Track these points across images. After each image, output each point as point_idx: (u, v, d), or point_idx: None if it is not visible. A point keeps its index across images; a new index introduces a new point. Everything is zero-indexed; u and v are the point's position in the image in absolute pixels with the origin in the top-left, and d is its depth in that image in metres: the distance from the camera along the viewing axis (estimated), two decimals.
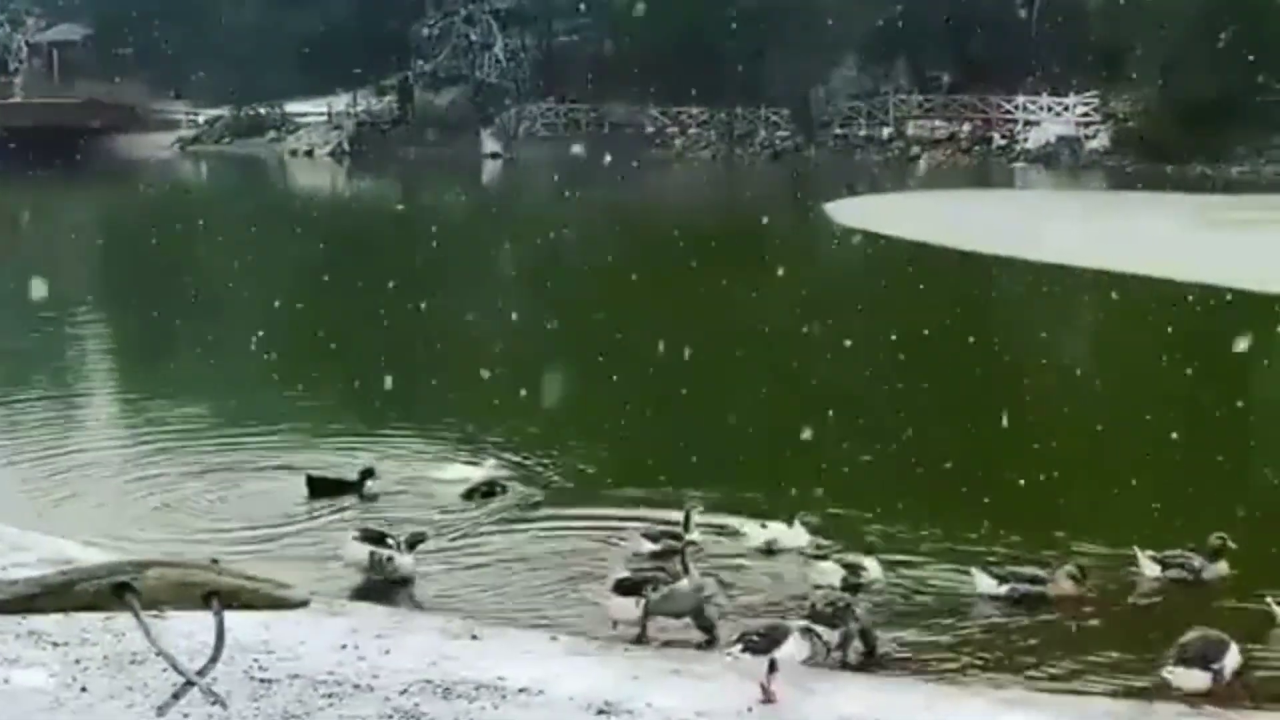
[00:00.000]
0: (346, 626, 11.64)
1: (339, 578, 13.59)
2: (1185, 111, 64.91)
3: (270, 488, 16.66)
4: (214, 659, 6.68)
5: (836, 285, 33.86)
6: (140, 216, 49.33)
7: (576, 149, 73.26)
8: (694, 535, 14.24)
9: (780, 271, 33.03)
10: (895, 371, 22.43)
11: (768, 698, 10.19)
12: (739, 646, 10.35)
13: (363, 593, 13.28)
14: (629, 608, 12.00)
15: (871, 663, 11.53)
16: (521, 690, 10.25)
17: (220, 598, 6.63)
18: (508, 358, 23.57)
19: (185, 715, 8.67)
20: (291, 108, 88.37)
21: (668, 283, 31.97)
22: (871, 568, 13.33)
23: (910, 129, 77.56)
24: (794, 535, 14.32)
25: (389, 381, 20.93)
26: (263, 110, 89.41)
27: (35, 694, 9.86)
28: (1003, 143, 75.38)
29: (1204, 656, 10.54)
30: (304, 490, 16.25)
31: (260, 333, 25.57)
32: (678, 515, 14.55)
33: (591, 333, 26.57)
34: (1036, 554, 13.76)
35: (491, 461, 17.35)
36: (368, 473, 16.37)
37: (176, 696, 6.87)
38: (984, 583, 13.04)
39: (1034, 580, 12.98)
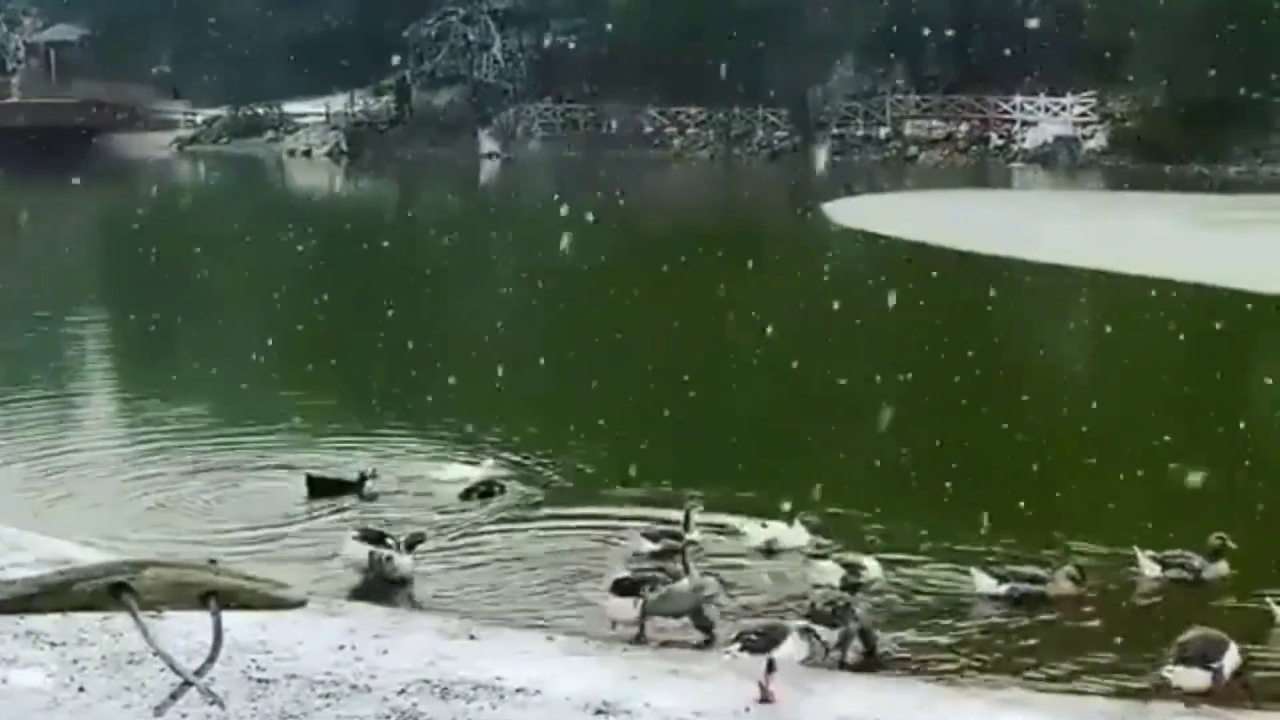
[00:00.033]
0: (344, 626, 11.64)
1: (336, 578, 13.59)
2: (1183, 112, 65.03)
3: (269, 488, 16.66)
4: (211, 659, 6.67)
5: (836, 285, 33.81)
6: (138, 216, 49.23)
7: (574, 149, 73.23)
8: (694, 535, 14.24)
9: (779, 271, 33.00)
10: (895, 371, 22.39)
11: (766, 697, 10.17)
12: (737, 646, 10.34)
13: (360, 593, 13.27)
14: (627, 608, 11.99)
15: (870, 663, 11.52)
16: (519, 690, 10.24)
17: (218, 598, 6.63)
18: (507, 357, 23.53)
19: (183, 715, 8.67)
20: (289, 108, 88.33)
21: (667, 283, 31.94)
22: (871, 567, 13.32)
23: (908, 129, 77.54)
24: (794, 535, 14.31)
25: (388, 381, 20.91)
26: (261, 110, 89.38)
27: (33, 694, 9.85)
28: (1000, 143, 75.38)
29: (1203, 656, 10.53)
30: (303, 490, 16.25)
31: (259, 332, 25.55)
32: (678, 515, 14.55)
33: (591, 332, 26.54)
34: (1036, 554, 13.75)
35: (490, 461, 17.35)
36: (367, 474, 16.37)
37: (174, 696, 6.87)
38: (984, 583, 13.04)
39: (1034, 580, 12.98)
